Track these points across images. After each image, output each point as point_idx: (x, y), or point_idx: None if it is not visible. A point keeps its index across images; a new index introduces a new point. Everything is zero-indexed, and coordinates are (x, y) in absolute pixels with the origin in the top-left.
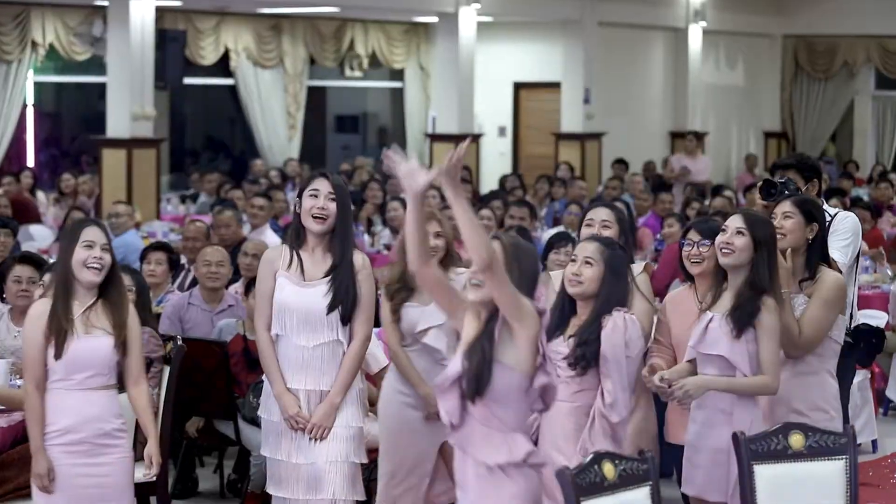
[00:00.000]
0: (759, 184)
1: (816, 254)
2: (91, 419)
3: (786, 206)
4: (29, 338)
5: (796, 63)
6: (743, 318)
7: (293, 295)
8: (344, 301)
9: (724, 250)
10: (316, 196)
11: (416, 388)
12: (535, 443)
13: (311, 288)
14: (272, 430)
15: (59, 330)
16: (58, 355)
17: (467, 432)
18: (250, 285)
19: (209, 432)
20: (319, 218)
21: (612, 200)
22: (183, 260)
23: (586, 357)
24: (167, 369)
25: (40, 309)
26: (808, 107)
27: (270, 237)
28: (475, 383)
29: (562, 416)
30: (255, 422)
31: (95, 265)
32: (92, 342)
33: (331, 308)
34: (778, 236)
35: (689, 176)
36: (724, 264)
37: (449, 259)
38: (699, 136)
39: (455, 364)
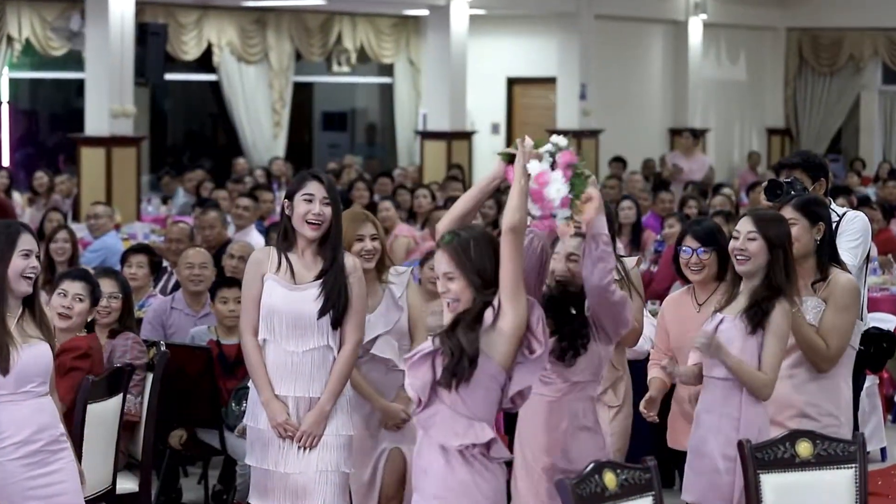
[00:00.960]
0: (765, 184)
1: (826, 254)
2: (45, 427)
3: (788, 213)
4: None
5: (800, 57)
6: (758, 315)
7: (282, 298)
8: (335, 305)
9: (738, 257)
10: (310, 201)
11: (371, 402)
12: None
13: (301, 291)
14: (258, 438)
15: (2, 345)
16: (5, 370)
17: (432, 412)
18: (216, 291)
19: (193, 441)
20: (315, 224)
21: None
22: (165, 263)
23: (575, 345)
24: (150, 376)
25: None
26: (813, 102)
27: (256, 238)
28: (453, 373)
29: (543, 414)
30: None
31: (32, 275)
32: (34, 350)
33: (322, 313)
34: None
35: (681, 175)
36: (742, 272)
37: (383, 261)
38: (696, 134)
39: (428, 341)
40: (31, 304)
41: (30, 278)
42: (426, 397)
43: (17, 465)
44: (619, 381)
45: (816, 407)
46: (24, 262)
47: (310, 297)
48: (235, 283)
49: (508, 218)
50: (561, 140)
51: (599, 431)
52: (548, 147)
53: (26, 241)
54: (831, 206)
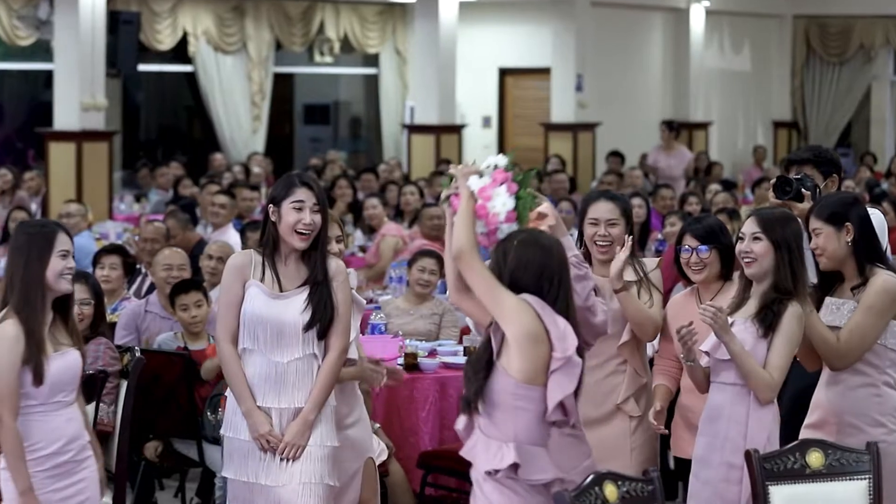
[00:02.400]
0: (773, 181)
1: (863, 254)
2: (75, 437)
3: (812, 223)
4: (4, 365)
5: (808, 46)
6: (769, 318)
7: (267, 307)
8: (322, 318)
9: (745, 260)
10: (301, 209)
11: (346, 378)
12: None
13: (286, 300)
14: (238, 449)
15: (38, 356)
16: (39, 380)
17: (472, 443)
18: (173, 298)
19: (169, 452)
20: (306, 234)
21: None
22: (139, 263)
23: None
24: (124, 384)
25: (13, 331)
26: (821, 94)
27: (234, 238)
28: (467, 390)
29: None
30: (218, 440)
31: (70, 274)
32: (65, 360)
33: (309, 326)
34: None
35: (658, 172)
36: (750, 275)
37: None
38: (672, 127)
39: None
40: (62, 310)
41: (68, 278)
42: (463, 428)
43: (43, 477)
44: (643, 390)
45: (865, 416)
46: (62, 262)
47: (295, 305)
48: (192, 286)
49: (452, 248)
50: (500, 159)
51: (584, 440)
52: (489, 160)
53: (64, 242)
54: None
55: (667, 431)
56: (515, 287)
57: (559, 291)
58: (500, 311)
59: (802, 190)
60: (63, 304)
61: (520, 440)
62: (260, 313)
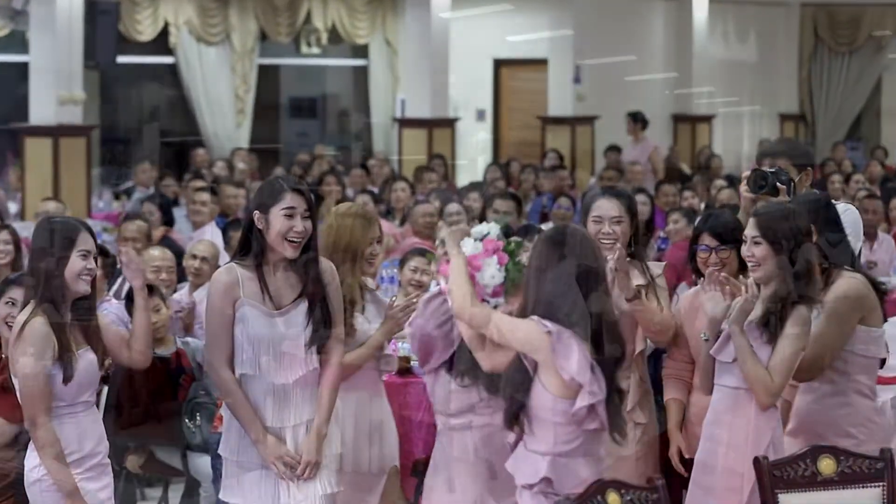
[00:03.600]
0: (747, 174)
1: (825, 259)
2: (101, 438)
3: None
4: (37, 364)
5: (816, 35)
6: (773, 323)
7: (267, 327)
8: (325, 333)
9: (749, 263)
10: (291, 216)
11: (376, 345)
12: None
13: (285, 316)
14: (246, 472)
15: (67, 352)
16: (68, 378)
17: (516, 455)
18: (129, 304)
19: (152, 461)
20: (297, 242)
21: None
22: (119, 263)
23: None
24: (105, 390)
25: (45, 329)
26: (830, 85)
27: (218, 237)
28: (508, 408)
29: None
30: (202, 448)
31: (89, 276)
32: (87, 359)
33: (311, 342)
34: None
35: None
36: (756, 279)
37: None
38: (637, 118)
39: None
40: (77, 310)
41: (88, 279)
42: (511, 440)
43: (80, 479)
44: (647, 396)
45: (834, 426)
46: (82, 262)
47: (297, 321)
48: (148, 292)
49: (453, 305)
50: (493, 228)
51: None
52: (480, 229)
53: (86, 242)
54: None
55: (687, 474)
56: (538, 292)
57: (571, 291)
58: (519, 341)
59: (777, 184)
60: (79, 305)
61: (559, 453)
62: (260, 334)
